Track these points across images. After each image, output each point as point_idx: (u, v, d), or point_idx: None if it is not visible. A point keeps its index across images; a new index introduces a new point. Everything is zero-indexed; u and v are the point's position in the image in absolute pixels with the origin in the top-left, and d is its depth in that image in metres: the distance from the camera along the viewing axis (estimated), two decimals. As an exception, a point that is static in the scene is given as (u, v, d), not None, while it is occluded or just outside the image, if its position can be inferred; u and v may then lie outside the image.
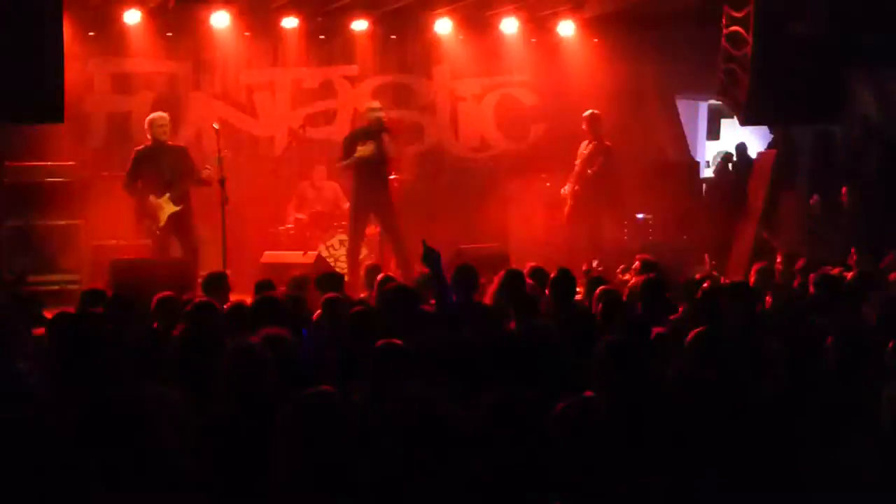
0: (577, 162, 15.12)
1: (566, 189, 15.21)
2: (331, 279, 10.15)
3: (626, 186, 16.00)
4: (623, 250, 14.79)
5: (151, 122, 13.35)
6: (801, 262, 11.03)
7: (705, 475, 4.84)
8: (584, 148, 15.13)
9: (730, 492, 4.86)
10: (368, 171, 13.83)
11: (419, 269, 9.97)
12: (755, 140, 18.68)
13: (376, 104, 14.31)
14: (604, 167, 14.99)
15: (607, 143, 15.11)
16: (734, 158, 18.54)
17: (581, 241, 14.85)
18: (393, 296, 8.25)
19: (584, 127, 15.21)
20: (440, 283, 8.42)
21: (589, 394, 5.17)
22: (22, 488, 3.94)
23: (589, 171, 14.99)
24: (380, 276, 10.30)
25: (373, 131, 13.87)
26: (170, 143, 13.46)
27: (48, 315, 8.33)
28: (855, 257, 12.64)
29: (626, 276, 11.08)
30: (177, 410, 4.83)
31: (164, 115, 13.61)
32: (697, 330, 6.15)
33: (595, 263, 12.95)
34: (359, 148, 13.79)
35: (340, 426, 4.44)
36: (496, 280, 9.05)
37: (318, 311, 8.65)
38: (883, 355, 6.00)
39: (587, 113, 15.27)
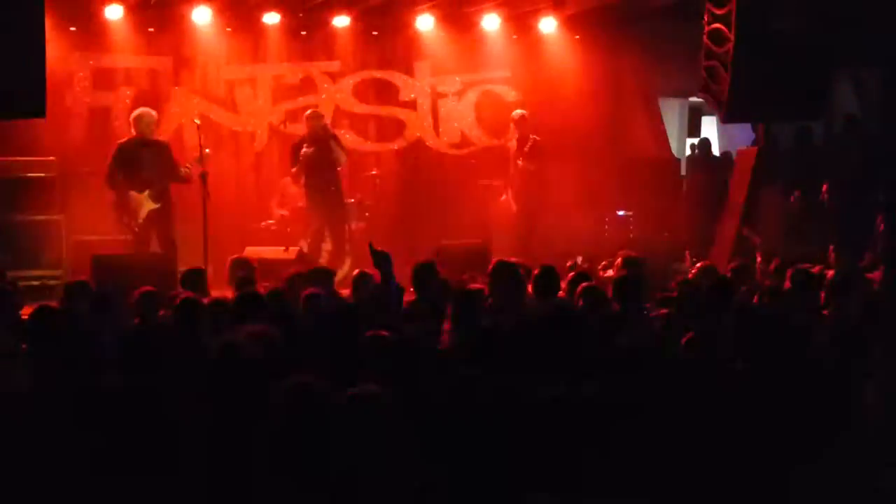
0: (519, 162, 15.23)
1: (507, 195, 15.35)
2: (321, 275, 10.17)
3: (601, 182, 16.11)
4: (605, 247, 14.84)
5: (139, 118, 13.36)
6: (779, 260, 11.05)
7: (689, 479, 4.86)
8: (514, 147, 15.42)
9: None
10: (314, 177, 14.16)
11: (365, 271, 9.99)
12: (735, 136, 18.73)
13: (316, 111, 14.53)
14: (540, 161, 15.16)
15: (535, 136, 15.29)
16: (695, 152, 18.64)
17: (531, 239, 14.95)
18: (371, 295, 8.30)
19: (511, 127, 15.45)
20: (388, 284, 8.51)
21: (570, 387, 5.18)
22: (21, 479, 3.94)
23: (527, 166, 15.12)
24: (356, 273, 10.30)
25: (318, 138, 14.03)
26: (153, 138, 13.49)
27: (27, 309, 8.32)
28: (833, 255, 12.69)
29: (609, 273, 11.11)
30: (173, 406, 4.84)
31: (153, 112, 13.66)
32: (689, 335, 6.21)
33: (580, 260, 12.98)
34: (303, 150, 14.01)
35: (324, 421, 4.45)
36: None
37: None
38: (866, 352, 6.02)
39: (516, 114, 15.65)
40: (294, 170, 14.27)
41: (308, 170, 14.15)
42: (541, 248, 15.19)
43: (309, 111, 14.61)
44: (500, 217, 16.05)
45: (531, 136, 15.33)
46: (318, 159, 14.09)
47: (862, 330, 6.57)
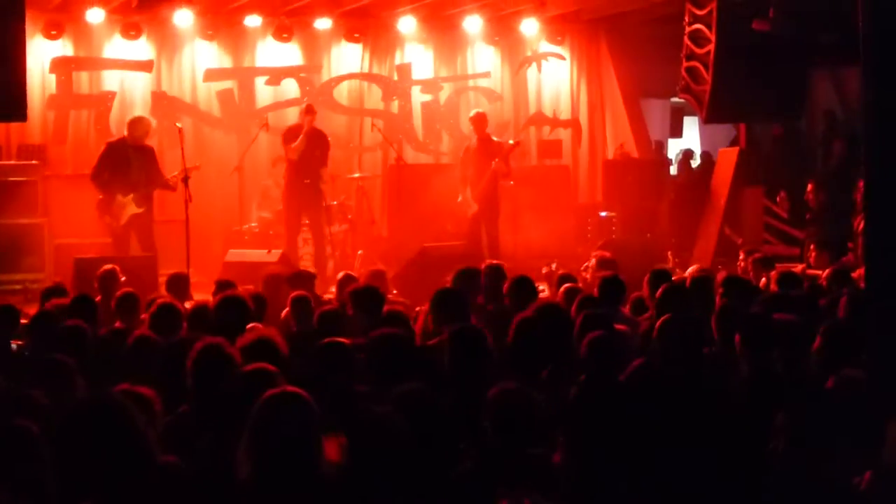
0: (493, 162, 14.60)
1: (465, 196, 14.86)
2: (302, 278, 10.20)
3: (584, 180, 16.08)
4: (588, 248, 14.87)
5: (138, 123, 13.48)
6: (761, 258, 11.06)
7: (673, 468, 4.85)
8: (473, 148, 14.84)
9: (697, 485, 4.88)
10: (297, 172, 13.99)
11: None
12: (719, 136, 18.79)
13: (310, 106, 14.37)
14: (505, 163, 14.80)
15: (496, 138, 15.11)
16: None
17: (489, 244, 14.69)
18: (357, 295, 8.29)
19: (471, 126, 15.20)
20: None
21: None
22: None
23: (501, 166, 14.68)
24: (341, 276, 10.30)
25: (307, 133, 13.97)
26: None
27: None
28: (814, 254, 12.72)
29: (587, 274, 11.12)
30: (151, 409, 4.84)
31: (151, 119, 14.11)
32: (663, 318, 6.23)
33: (554, 266, 12.94)
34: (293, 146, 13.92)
35: (306, 426, 4.44)
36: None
37: (287, 310, 8.69)
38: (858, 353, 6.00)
39: (472, 113, 15.27)
40: (292, 146, 13.95)
41: (292, 169, 14.05)
42: (522, 250, 15.22)
43: (304, 104, 14.55)
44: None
45: (481, 139, 14.79)
46: (304, 154, 13.95)
47: (851, 329, 6.56)
